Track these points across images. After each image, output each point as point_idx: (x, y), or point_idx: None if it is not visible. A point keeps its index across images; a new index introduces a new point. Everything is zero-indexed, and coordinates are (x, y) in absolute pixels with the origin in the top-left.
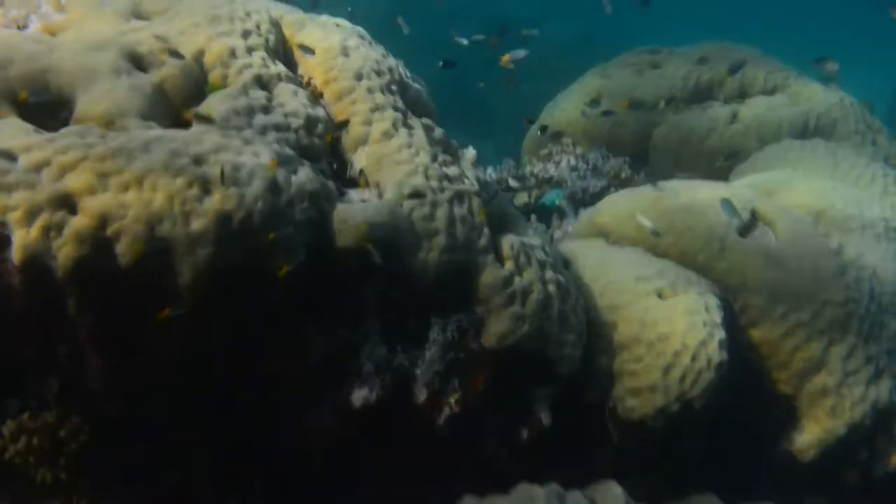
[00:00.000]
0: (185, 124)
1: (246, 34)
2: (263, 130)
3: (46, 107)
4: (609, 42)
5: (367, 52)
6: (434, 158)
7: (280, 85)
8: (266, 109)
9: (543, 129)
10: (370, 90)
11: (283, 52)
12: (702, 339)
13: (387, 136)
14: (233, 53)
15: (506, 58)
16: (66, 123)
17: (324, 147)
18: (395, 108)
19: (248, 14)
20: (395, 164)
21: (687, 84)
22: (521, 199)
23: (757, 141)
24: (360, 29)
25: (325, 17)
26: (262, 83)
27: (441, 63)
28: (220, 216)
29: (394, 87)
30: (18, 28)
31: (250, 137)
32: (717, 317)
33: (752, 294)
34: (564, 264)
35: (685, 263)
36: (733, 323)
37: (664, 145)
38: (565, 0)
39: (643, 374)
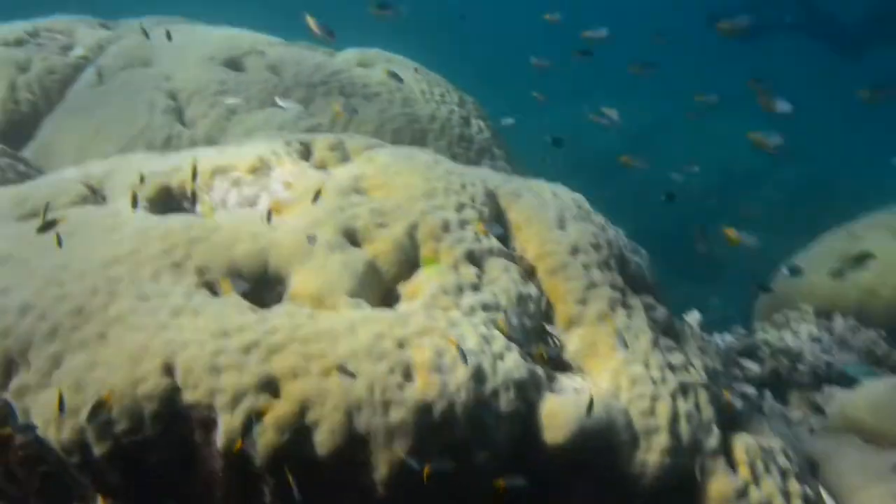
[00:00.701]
0: (395, 300)
1: (460, 207)
2: (471, 310)
3: (264, 283)
4: (846, 189)
5: (584, 225)
6: (655, 344)
7: (491, 260)
8: (475, 287)
9: (793, 270)
10: (586, 266)
11: (498, 223)
12: None
13: (602, 317)
14: (446, 227)
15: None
16: (281, 298)
17: (535, 328)
18: (613, 287)
19: (463, 186)
20: (610, 350)
21: None
22: (752, 370)
23: None
24: (579, 197)
25: (540, 183)
26: (474, 258)
27: (663, 196)
28: (421, 406)
29: (612, 263)
30: (249, 205)
31: (457, 319)
32: None
33: None
34: (812, 469)
35: None
36: None
37: None
38: (795, 143)
39: None
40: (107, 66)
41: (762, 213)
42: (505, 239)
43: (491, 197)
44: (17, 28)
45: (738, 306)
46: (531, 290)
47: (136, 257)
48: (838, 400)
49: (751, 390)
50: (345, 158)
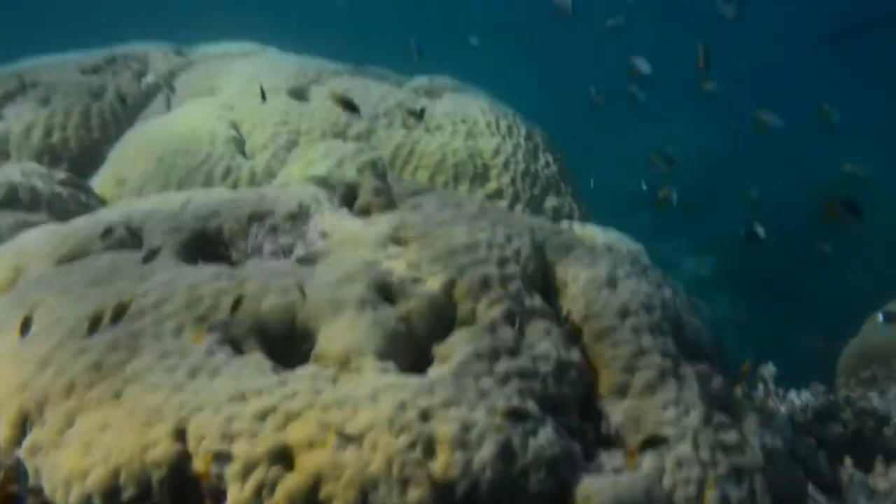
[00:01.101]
0: (428, 362)
1: (502, 262)
2: (506, 378)
3: (291, 339)
4: None
5: (637, 283)
6: (707, 420)
7: (532, 322)
8: (512, 352)
9: (890, 316)
10: (635, 330)
11: (542, 280)
12: None
13: (650, 388)
14: (485, 284)
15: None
16: (308, 356)
17: (575, 397)
18: (665, 354)
19: (508, 238)
20: (656, 426)
21: None
22: (834, 429)
23: None
24: (637, 249)
25: (593, 230)
26: (514, 319)
27: (743, 234)
28: (441, 486)
29: (665, 326)
30: (284, 254)
31: (487, 389)
32: None
33: None
34: None
35: None
36: None
37: None
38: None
39: None
40: (175, 94)
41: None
42: (550, 298)
43: (538, 251)
44: (96, 55)
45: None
46: (574, 355)
47: (160, 310)
48: None
49: (823, 464)
50: (389, 205)
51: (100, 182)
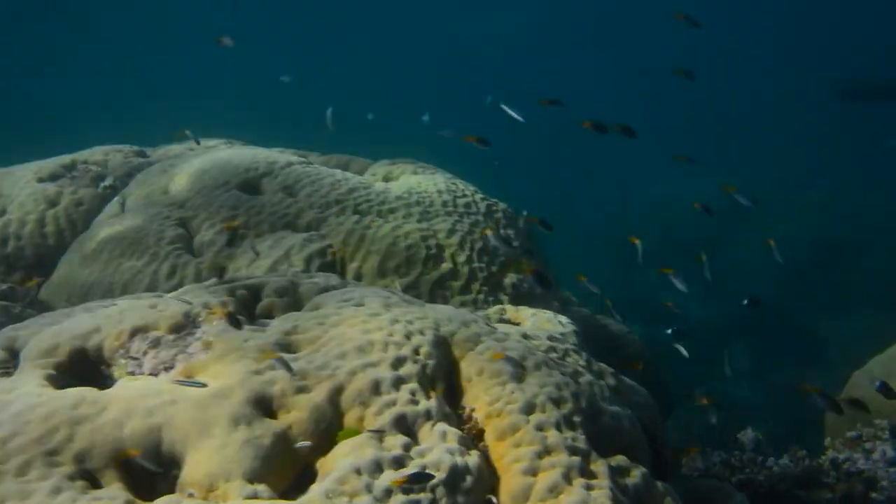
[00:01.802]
0: (312, 478)
1: (398, 363)
2: (387, 494)
3: (159, 467)
4: None
5: (547, 375)
6: None
7: (426, 426)
8: (399, 462)
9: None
10: (540, 427)
11: (446, 377)
12: None
13: (553, 491)
14: (376, 388)
15: None
16: (174, 484)
17: None
18: (573, 451)
19: (408, 336)
20: None
21: None
22: (823, 494)
23: None
24: (567, 330)
25: (525, 312)
26: (405, 425)
27: (745, 302)
28: None
29: (576, 419)
30: (165, 370)
31: None
32: None
33: None
34: None
35: None
36: None
37: None
38: None
39: None
40: (130, 195)
41: (870, 286)
42: (454, 396)
43: (441, 347)
44: (54, 162)
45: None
46: (472, 461)
47: (6, 446)
48: None
49: None
50: (296, 304)
51: (47, 290)
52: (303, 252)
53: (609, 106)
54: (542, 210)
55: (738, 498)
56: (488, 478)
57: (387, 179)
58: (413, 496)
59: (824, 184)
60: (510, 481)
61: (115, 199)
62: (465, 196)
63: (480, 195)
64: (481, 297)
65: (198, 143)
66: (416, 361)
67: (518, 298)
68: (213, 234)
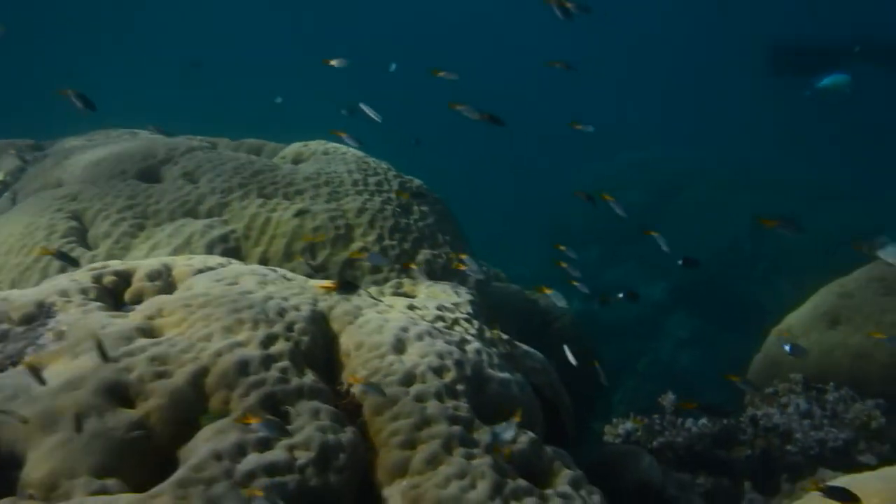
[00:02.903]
0: (174, 467)
1: (268, 340)
2: (249, 477)
3: None
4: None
5: (429, 344)
6: (497, 491)
7: (300, 404)
8: (265, 444)
9: (795, 349)
10: (419, 398)
11: (325, 352)
12: None
13: (432, 462)
14: (243, 369)
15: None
16: (14, 487)
17: (344, 484)
18: (453, 420)
19: (281, 312)
20: None
21: None
22: (744, 451)
23: None
24: (461, 299)
25: (422, 285)
26: (274, 403)
27: (681, 262)
28: None
29: (459, 388)
30: (12, 364)
31: (218, 496)
32: None
33: None
34: None
35: None
36: None
37: None
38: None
39: None
40: (22, 190)
41: (796, 256)
42: (333, 371)
43: (318, 322)
44: None
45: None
46: (345, 437)
47: None
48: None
49: (696, 501)
50: (168, 287)
51: None
52: (204, 238)
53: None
54: (476, 190)
55: (646, 460)
56: (364, 454)
57: (297, 161)
58: (279, 478)
59: (759, 157)
60: (387, 456)
61: (6, 193)
62: (376, 174)
63: (394, 172)
64: (393, 275)
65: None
66: (288, 339)
67: (431, 275)
68: (108, 226)
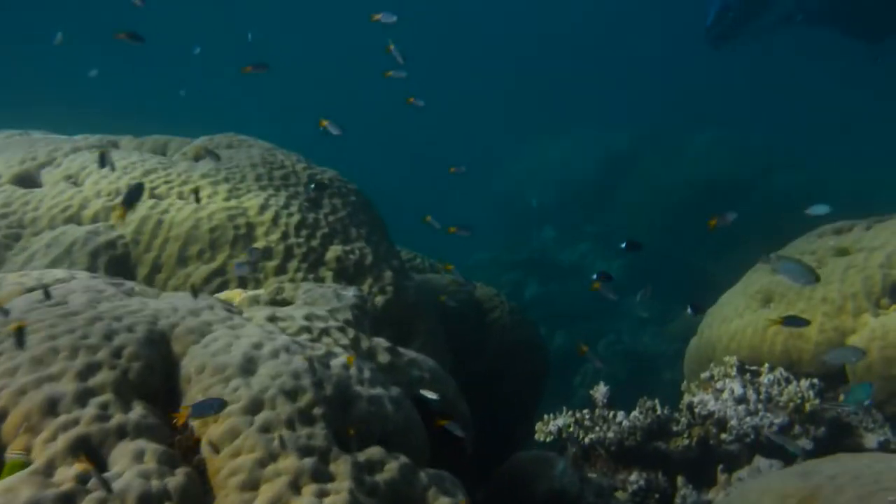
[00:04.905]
0: None
1: (89, 371)
2: None
3: None
4: (838, 190)
5: (285, 362)
6: None
7: (121, 445)
8: (68, 500)
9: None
10: (266, 427)
11: (161, 380)
12: None
13: None
14: (51, 408)
15: (712, 222)
16: None
17: None
18: (306, 452)
19: (108, 336)
20: None
21: (888, 275)
22: (680, 442)
23: None
24: (343, 304)
25: (301, 287)
26: (90, 447)
27: (623, 245)
28: None
29: (316, 412)
30: None
31: None
32: None
33: None
34: None
35: None
36: None
37: (876, 367)
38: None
39: None
40: None
41: (750, 225)
42: (172, 402)
43: (156, 344)
44: None
45: None
46: (174, 482)
47: None
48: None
49: None
50: None
51: None
52: (87, 247)
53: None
54: (435, 176)
55: (559, 466)
56: (199, 500)
57: (198, 158)
58: None
59: (707, 129)
60: (224, 501)
61: None
62: (283, 167)
63: (303, 164)
64: (300, 275)
65: None
66: (114, 367)
67: (343, 273)
68: None
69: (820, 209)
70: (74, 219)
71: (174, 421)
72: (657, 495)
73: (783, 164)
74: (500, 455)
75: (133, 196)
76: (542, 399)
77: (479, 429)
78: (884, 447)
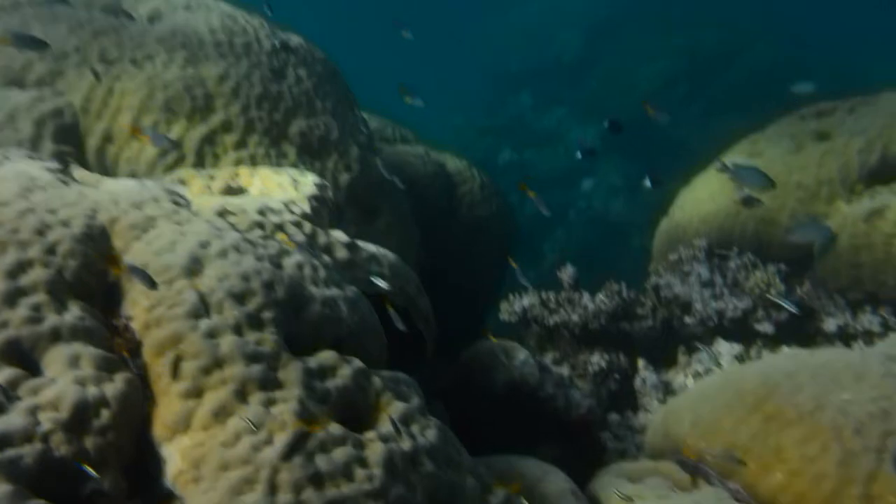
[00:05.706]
0: None
1: (19, 269)
2: None
3: None
4: (822, 66)
5: (234, 262)
6: (295, 448)
7: (54, 349)
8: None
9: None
10: (212, 333)
11: (100, 280)
12: None
13: (220, 414)
14: None
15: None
16: None
17: (106, 448)
18: (254, 358)
19: (41, 231)
20: (223, 470)
21: (866, 162)
22: (644, 324)
23: None
24: (307, 192)
25: (264, 172)
26: (20, 352)
27: (607, 124)
28: None
29: (266, 316)
30: None
31: None
32: None
33: None
34: None
35: None
36: None
37: (844, 254)
38: (766, 23)
39: None
40: None
41: (732, 96)
42: (113, 303)
43: (95, 240)
44: None
45: None
46: (112, 389)
47: None
48: (664, 412)
49: (575, 396)
50: None
51: None
52: (32, 114)
53: None
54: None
55: (521, 356)
56: (138, 407)
57: (153, 18)
58: (10, 452)
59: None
60: (167, 408)
61: None
62: (245, 34)
63: (266, 31)
64: (261, 150)
65: None
66: (48, 264)
67: (306, 148)
68: None
69: (805, 87)
70: (17, 81)
71: (120, 320)
72: (617, 376)
73: (770, 36)
74: (471, 331)
75: None
76: (508, 271)
77: (449, 306)
78: (842, 330)
